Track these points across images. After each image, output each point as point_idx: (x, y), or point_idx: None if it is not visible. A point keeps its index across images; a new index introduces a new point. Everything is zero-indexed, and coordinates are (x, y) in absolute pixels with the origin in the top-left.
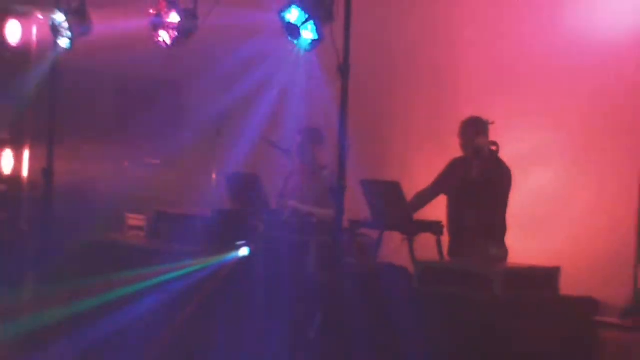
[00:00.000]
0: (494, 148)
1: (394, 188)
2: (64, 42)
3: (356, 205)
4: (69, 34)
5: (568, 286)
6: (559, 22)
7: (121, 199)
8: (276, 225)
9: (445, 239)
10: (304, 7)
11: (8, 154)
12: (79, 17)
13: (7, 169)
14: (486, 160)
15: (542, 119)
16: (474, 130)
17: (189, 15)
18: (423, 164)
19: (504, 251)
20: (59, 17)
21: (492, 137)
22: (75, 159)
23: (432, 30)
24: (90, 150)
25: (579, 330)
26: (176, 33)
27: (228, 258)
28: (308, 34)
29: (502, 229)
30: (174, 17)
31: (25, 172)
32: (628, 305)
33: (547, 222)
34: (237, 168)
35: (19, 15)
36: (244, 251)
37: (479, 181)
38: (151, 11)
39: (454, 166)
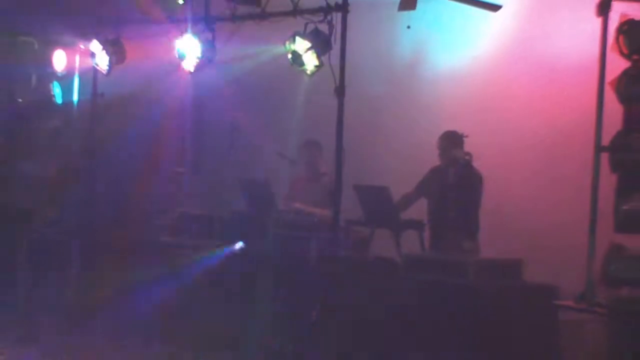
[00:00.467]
0: (467, 157)
1: (383, 192)
2: (102, 68)
3: (351, 206)
4: (106, 60)
5: (532, 275)
6: (527, 53)
7: (154, 200)
8: (283, 223)
9: (426, 235)
10: (305, 38)
11: None
12: (114, 47)
13: None
14: (461, 168)
15: (510, 134)
16: (451, 142)
17: (209, 46)
18: (407, 170)
19: (477, 245)
20: (98, 47)
21: (468, 148)
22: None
23: (412, 60)
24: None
25: (540, 312)
26: (198, 61)
27: (226, 250)
28: (310, 61)
29: (476, 226)
30: (196, 48)
31: None
32: (582, 291)
33: (513, 221)
34: (250, 175)
35: (64, 46)
36: (238, 245)
37: (455, 186)
38: (178, 43)
39: (433, 173)
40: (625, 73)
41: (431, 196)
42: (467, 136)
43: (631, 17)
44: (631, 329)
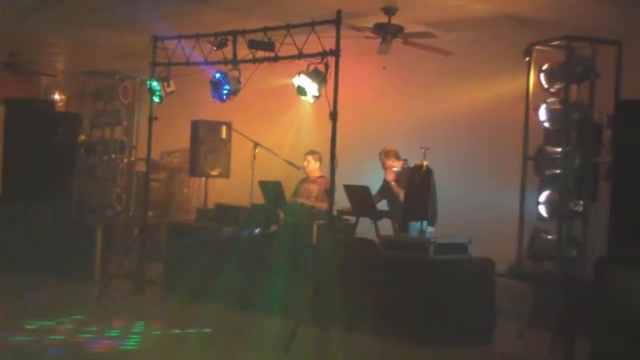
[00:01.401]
0: (403, 164)
1: (365, 190)
2: (156, 98)
3: (341, 201)
4: (159, 93)
5: (476, 252)
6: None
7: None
8: (291, 214)
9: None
10: (308, 75)
11: None
12: (165, 82)
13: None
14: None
15: (462, 152)
16: (385, 155)
17: (235, 80)
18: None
19: (435, 230)
20: (153, 82)
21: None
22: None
23: (381, 94)
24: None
25: (482, 280)
26: (227, 92)
27: (249, 232)
28: (311, 92)
29: (434, 215)
30: (226, 84)
31: None
32: (513, 263)
33: (462, 211)
34: (267, 178)
35: (129, 80)
36: (257, 230)
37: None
38: (212, 77)
39: (385, 183)
40: (544, 102)
41: (389, 197)
42: (428, 148)
43: (550, 61)
44: (550, 293)
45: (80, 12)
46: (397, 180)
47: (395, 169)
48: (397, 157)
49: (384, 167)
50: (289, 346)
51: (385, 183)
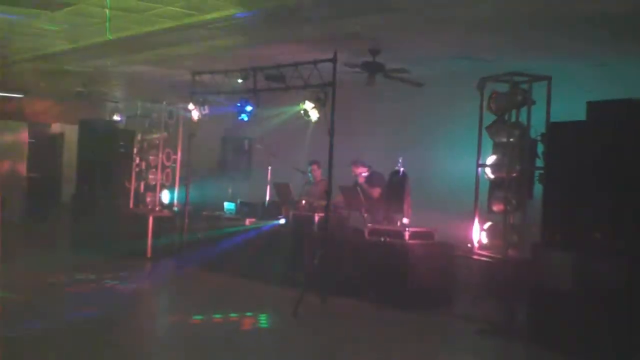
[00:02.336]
0: (368, 170)
1: (354, 189)
2: (195, 117)
3: (337, 198)
4: (196, 113)
5: (440, 238)
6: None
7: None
8: (298, 208)
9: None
10: (311, 101)
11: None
12: (200, 104)
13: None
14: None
15: (425, 159)
16: (353, 164)
17: (254, 106)
18: None
19: (409, 221)
20: (191, 106)
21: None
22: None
23: (367, 115)
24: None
25: (445, 259)
26: (249, 115)
27: (275, 223)
28: (314, 114)
29: (409, 209)
30: (248, 107)
31: None
32: (470, 247)
33: (427, 206)
34: (279, 180)
35: (173, 105)
36: (281, 220)
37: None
38: (238, 104)
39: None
40: (493, 123)
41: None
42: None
43: (496, 91)
44: (501, 268)
45: (136, 51)
46: (368, 181)
47: (364, 174)
48: (364, 165)
49: (355, 174)
50: (296, 310)
51: (359, 186)
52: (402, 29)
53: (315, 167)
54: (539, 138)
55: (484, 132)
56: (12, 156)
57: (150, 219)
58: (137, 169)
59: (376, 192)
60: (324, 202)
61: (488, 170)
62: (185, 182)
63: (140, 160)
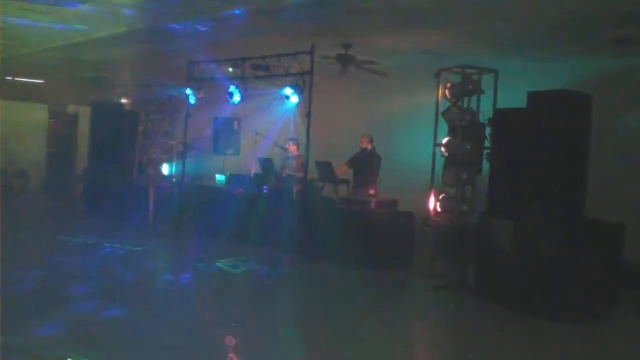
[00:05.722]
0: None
1: (329, 165)
2: (192, 101)
3: (313, 172)
4: (193, 98)
5: (402, 207)
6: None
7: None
8: (279, 180)
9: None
10: (291, 87)
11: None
12: (198, 91)
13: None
14: (366, 153)
15: (390, 139)
16: (362, 140)
17: (244, 90)
18: (343, 153)
19: (378, 193)
20: (188, 90)
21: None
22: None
23: (341, 101)
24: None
25: (406, 227)
26: (239, 98)
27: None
28: (294, 99)
29: (377, 182)
30: (237, 93)
31: None
32: (426, 216)
33: (392, 179)
34: (263, 156)
35: (172, 89)
36: (264, 190)
37: (364, 162)
38: (231, 90)
39: (355, 155)
40: (447, 108)
41: (354, 167)
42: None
43: (451, 81)
44: (453, 232)
45: (141, 45)
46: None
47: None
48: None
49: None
50: (275, 266)
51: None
52: (371, 27)
53: (291, 143)
54: (486, 122)
55: (440, 116)
56: (34, 134)
57: (152, 189)
58: (140, 146)
59: (342, 169)
60: (300, 174)
61: (443, 149)
62: (182, 156)
63: (144, 137)
